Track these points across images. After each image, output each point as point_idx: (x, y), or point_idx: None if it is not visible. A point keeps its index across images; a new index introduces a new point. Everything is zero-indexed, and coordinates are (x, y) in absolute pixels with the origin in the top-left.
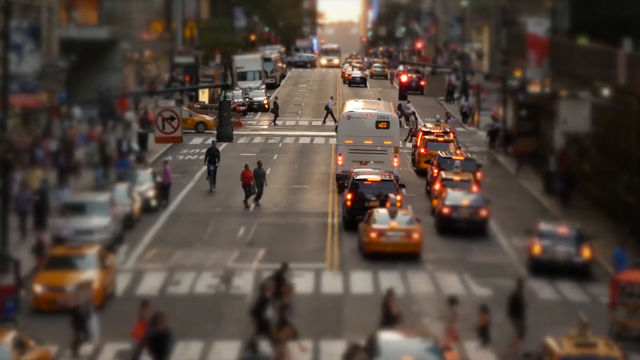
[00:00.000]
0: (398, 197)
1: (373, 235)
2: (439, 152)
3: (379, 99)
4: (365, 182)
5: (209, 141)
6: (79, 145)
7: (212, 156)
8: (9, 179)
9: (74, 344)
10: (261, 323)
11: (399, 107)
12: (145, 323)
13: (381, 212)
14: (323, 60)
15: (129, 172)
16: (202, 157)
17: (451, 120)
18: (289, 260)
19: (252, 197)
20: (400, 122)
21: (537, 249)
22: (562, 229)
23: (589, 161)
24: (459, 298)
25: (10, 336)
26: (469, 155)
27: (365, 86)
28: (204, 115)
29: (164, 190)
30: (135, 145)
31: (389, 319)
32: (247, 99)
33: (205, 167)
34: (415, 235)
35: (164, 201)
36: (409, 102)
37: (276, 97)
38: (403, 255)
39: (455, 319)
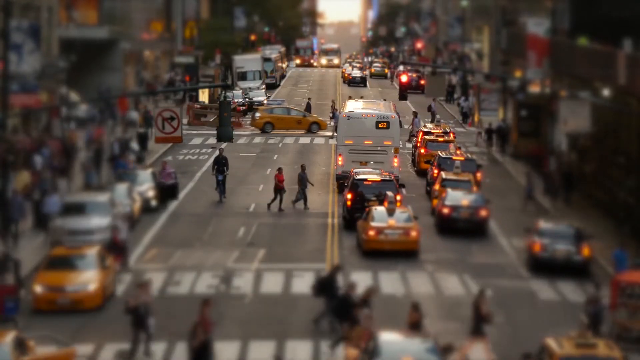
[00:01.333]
0: (398, 197)
1: (371, 233)
2: (439, 152)
3: (384, 100)
4: (365, 182)
5: (209, 141)
6: (81, 147)
7: (221, 165)
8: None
9: (133, 343)
10: (347, 323)
11: (429, 108)
12: (207, 321)
13: (379, 210)
14: (323, 60)
15: (129, 172)
16: (202, 157)
17: (417, 120)
18: (289, 260)
19: (300, 201)
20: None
21: (537, 247)
22: (562, 227)
23: (588, 161)
24: (419, 301)
25: (10, 336)
26: (469, 155)
27: (365, 86)
28: (316, 116)
29: (166, 190)
30: (135, 145)
31: (479, 319)
32: (247, 99)
33: (214, 176)
34: (413, 233)
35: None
36: (434, 99)
37: (309, 98)
38: (401, 253)
39: (368, 321)
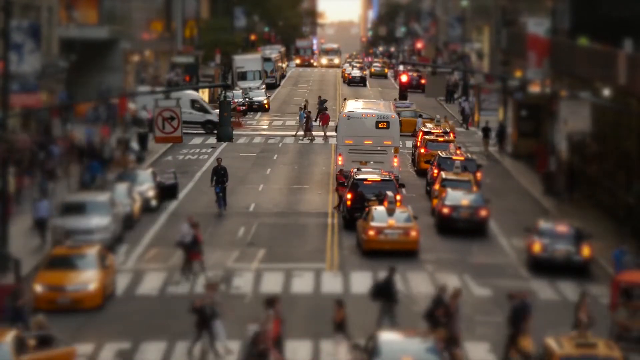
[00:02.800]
0: (398, 197)
1: (371, 233)
2: (439, 152)
3: (395, 99)
4: (365, 182)
5: (209, 141)
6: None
7: (220, 176)
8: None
9: (192, 342)
10: (433, 324)
11: (462, 111)
12: (278, 319)
13: (379, 210)
14: (324, 60)
15: (129, 172)
16: (202, 157)
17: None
18: (289, 260)
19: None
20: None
21: (537, 247)
22: (562, 227)
23: (588, 162)
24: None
25: (10, 335)
26: (469, 155)
27: (365, 86)
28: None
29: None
30: (135, 145)
31: (580, 324)
32: (247, 99)
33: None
34: (413, 233)
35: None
36: (466, 99)
37: (320, 97)
38: (401, 253)
39: (268, 321)
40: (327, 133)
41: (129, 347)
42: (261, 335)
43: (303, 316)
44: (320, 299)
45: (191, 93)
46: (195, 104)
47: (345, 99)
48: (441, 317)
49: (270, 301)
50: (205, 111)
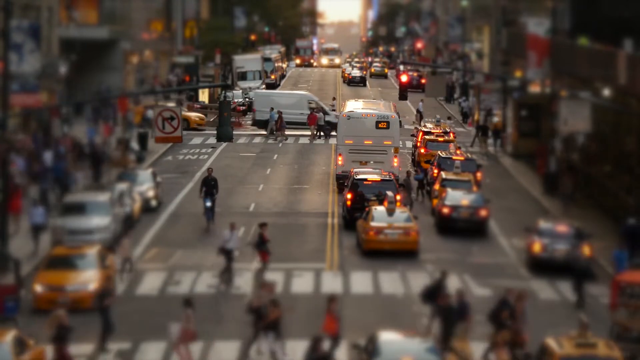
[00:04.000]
0: (398, 197)
1: (371, 233)
2: (439, 152)
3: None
4: (365, 182)
5: (209, 141)
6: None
7: (209, 187)
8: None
9: (248, 343)
10: (498, 327)
11: (486, 115)
12: (334, 317)
13: (379, 210)
14: (324, 60)
15: (130, 172)
16: (202, 157)
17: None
18: (289, 260)
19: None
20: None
21: (537, 247)
22: (562, 227)
23: (588, 162)
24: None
25: (10, 335)
26: (469, 155)
27: (365, 86)
28: None
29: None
30: (135, 145)
31: None
32: (247, 99)
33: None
34: (413, 233)
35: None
36: (466, 99)
37: (334, 98)
38: (401, 253)
39: (189, 319)
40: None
41: (129, 347)
42: (319, 341)
43: (303, 316)
44: (320, 299)
45: (306, 94)
46: (311, 104)
47: (333, 99)
48: (506, 320)
49: (187, 301)
50: (325, 112)
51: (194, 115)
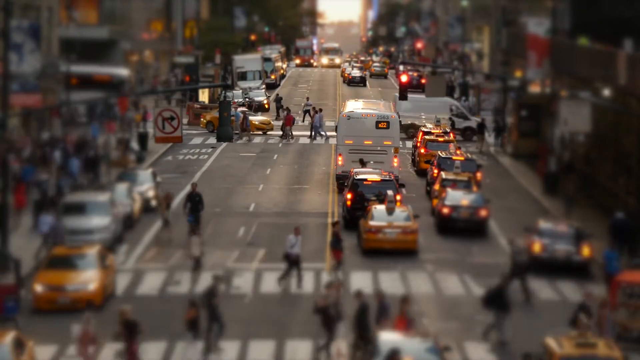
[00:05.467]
0: (398, 197)
1: (370, 232)
2: (439, 152)
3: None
4: (365, 182)
5: (209, 141)
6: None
7: (194, 203)
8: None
9: (325, 344)
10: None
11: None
12: (406, 319)
13: (379, 209)
14: (324, 60)
15: (130, 172)
16: (202, 156)
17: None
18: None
19: None
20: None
21: (537, 247)
22: (561, 227)
23: (589, 162)
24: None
25: (10, 336)
26: (469, 155)
27: (365, 86)
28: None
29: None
30: (135, 145)
31: None
32: (247, 99)
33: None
34: (412, 233)
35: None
36: (465, 99)
37: (307, 97)
38: (400, 252)
39: (88, 321)
40: (322, 133)
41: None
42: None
43: (303, 316)
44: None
45: (448, 99)
46: (452, 109)
47: (307, 98)
48: (582, 325)
49: (89, 303)
50: (465, 117)
51: (257, 119)
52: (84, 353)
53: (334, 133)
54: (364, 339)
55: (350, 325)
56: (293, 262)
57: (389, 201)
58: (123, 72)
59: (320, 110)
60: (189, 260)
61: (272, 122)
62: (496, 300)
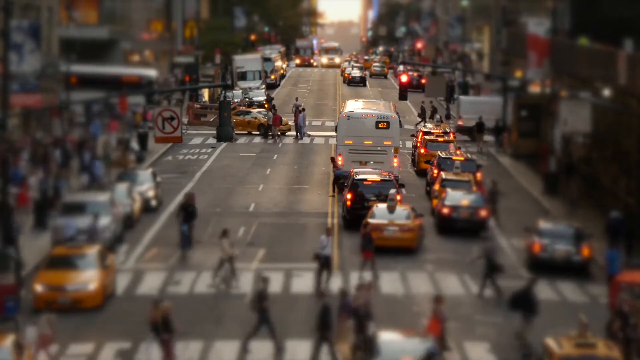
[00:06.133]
0: (398, 197)
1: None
2: (438, 152)
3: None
4: (365, 182)
5: (209, 141)
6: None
7: (188, 213)
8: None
9: (357, 347)
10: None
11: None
12: (439, 318)
13: (380, 208)
14: (324, 59)
15: (130, 172)
16: (202, 156)
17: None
18: (289, 261)
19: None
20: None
21: (537, 247)
22: (562, 227)
23: (589, 162)
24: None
25: (10, 339)
26: (469, 155)
27: (365, 86)
28: None
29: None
30: (135, 145)
31: None
32: (247, 99)
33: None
34: (410, 230)
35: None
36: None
37: (296, 98)
38: (400, 250)
39: (48, 323)
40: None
41: (129, 347)
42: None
43: (303, 316)
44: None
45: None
46: None
47: (296, 98)
48: (617, 332)
49: (49, 306)
50: None
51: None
52: (44, 354)
53: (333, 133)
54: (326, 339)
55: (313, 326)
56: (324, 263)
57: (389, 199)
58: (151, 73)
59: (304, 109)
60: (222, 261)
61: (289, 124)
62: (522, 302)
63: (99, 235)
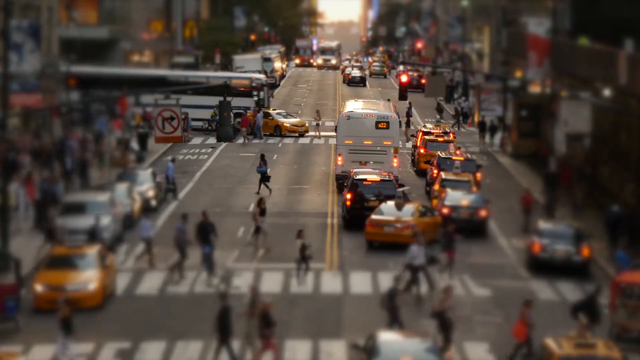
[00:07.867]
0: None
1: (369, 224)
2: (438, 152)
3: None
4: (364, 182)
5: (209, 141)
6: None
7: (206, 233)
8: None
9: (444, 345)
10: None
11: (456, 111)
12: (526, 322)
13: (388, 205)
14: (319, 60)
15: (130, 172)
16: (202, 157)
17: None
18: (289, 261)
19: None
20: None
21: (537, 247)
22: (562, 227)
23: (589, 162)
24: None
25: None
26: (469, 155)
27: (365, 86)
28: None
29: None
30: (135, 145)
31: None
32: None
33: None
34: (408, 227)
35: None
36: (466, 99)
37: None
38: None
39: None
40: (321, 133)
41: (129, 347)
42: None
43: (303, 316)
44: (320, 299)
45: None
46: None
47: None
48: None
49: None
50: None
51: (289, 122)
52: None
53: (333, 133)
54: (224, 342)
55: (213, 328)
56: (415, 272)
57: (396, 197)
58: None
59: (259, 110)
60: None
61: (306, 125)
62: (586, 310)
63: (101, 236)
